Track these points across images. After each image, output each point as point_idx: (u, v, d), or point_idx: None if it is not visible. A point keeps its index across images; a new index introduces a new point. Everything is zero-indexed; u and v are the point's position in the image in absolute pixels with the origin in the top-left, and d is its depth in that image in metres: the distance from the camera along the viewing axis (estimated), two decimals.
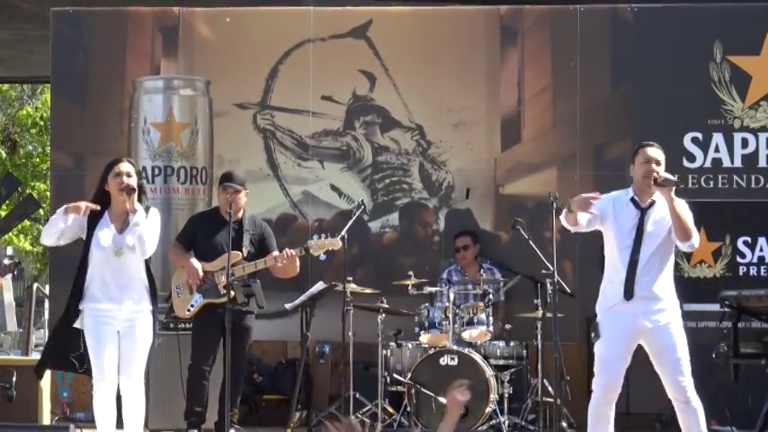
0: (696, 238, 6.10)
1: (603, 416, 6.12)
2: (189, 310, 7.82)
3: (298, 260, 7.82)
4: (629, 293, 6.05)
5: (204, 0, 10.22)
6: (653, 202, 6.12)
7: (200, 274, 7.73)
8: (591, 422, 6.18)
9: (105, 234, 6.51)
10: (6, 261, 7.75)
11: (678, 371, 6.02)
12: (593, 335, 6.24)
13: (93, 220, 6.52)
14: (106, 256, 6.49)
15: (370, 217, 9.56)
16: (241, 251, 7.74)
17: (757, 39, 9.36)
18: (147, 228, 6.50)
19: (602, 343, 6.14)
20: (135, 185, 6.49)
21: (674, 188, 6.01)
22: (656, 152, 6.14)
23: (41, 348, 14.70)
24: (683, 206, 6.10)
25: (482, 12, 9.76)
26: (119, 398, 6.55)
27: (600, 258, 6.47)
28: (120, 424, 6.61)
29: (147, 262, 6.58)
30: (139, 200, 6.54)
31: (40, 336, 16.73)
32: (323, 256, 8.06)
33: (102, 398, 6.46)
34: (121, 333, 6.47)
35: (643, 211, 6.13)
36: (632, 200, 6.17)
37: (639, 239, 6.08)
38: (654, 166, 6.08)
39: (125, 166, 6.54)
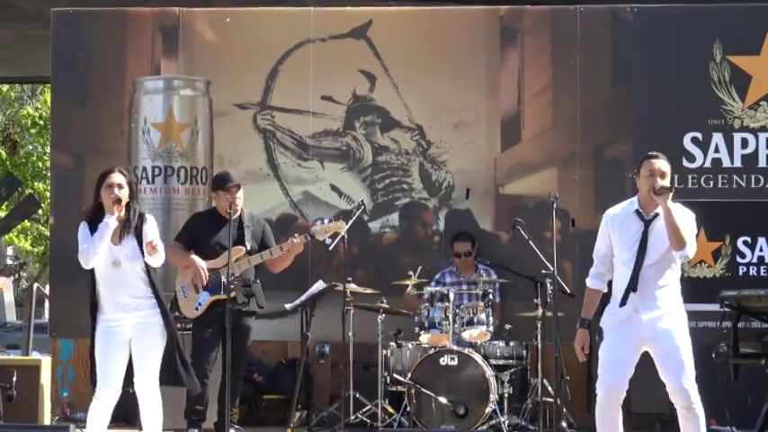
0: (690, 249, 6.06)
1: (609, 418, 6.13)
2: (196, 309, 7.83)
3: (302, 247, 7.88)
4: (624, 301, 6.06)
5: (204, 0, 10.23)
6: (657, 214, 6.12)
7: (206, 272, 7.75)
8: (598, 424, 6.19)
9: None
10: (10, 261, 7.80)
11: (681, 375, 6.00)
12: (597, 337, 6.25)
13: (91, 231, 6.55)
14: (105, 267, 6.52)
15: (370, 217, 9.56)
16: (244, 246, 7.78)
17: (757, 39, 9.35)
18: (154, 235, 6.58)
19: (604, 347, 6.15)
20: (122, 197, 6.51)
21: (669, 196, 6.01)
22: (660, 164, 6.12)
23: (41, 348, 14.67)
24: (682, 215, 6.08)
25: (482, 12, 9.76)
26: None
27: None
28: (133, 425, 6.61)
29: (147, 266, 6.59)
30: (128, 208, 6.55)
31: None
32: (328, 241, 8.06)
33: (102, 405, 6.49)
34: (133, 338, 6.50)
35: (647, 223, 6.13)
36: (636, 211, 6.17)
37: (643, 250, 6.08)
38: (659, 179, 6.08)
39: (117, 178, 6.55)
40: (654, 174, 6.08)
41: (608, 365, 6.11)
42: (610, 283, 6.28)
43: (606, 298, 6.28)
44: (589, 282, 6.32)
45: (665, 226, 6.01)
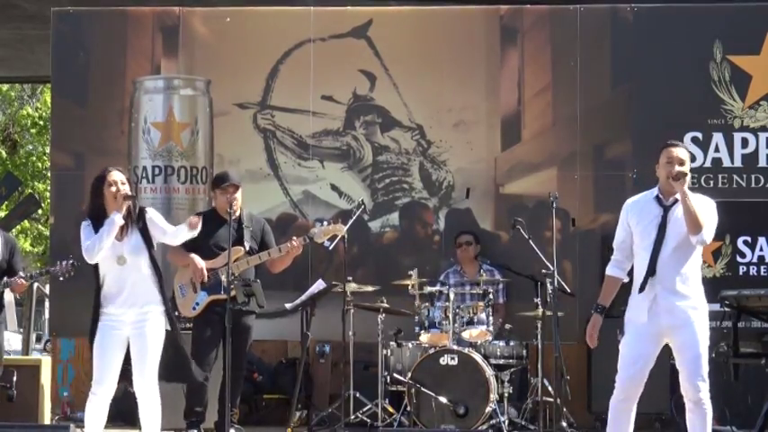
0: (707, 234, 6.08)
1: (623, 412, 6.11)
2: (194, 309, 7.84)
3: (300, 249, 7.88)
4: (643, 286, 6.06)
5: (204, 0, 10.23)
6: (677, 201, 6.14)
7: (205, 271, 7.76)
8: (611, 417, 6.17)
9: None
10: (66, 262, 7.61)
11: (696, 370, 6.01)
12: (618, 332, 6.24)
13: (95, 230, 6.55)
14: (110, 264, 6.53)
15: (370, 217, 9.57)
16: (243, 246, 7.78)
17: (757, 39, 9.36)
18: (163, 222, 6.68)
19: (625, 342, 6.14)
20: (131, 193, 6.57)
21: (686, 181, 6.03)
22: (679, 152, 6.17)
23: (39, 349, 14.64)
24: (701, 202, 6.11)
25: (482, 12, 9.77)
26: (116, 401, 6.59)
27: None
28: (133, 425, 6.61)
29: (154, 262, 6.60)
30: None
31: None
32: (327, 243, 8.06)
33: (98, 400, 6.49)
34: (132, 335, 6.49)
35: (666, 209, 6.15)
36: (656, 198, 6.20)
37: (662, 236, 6.09)
38: (677, 166, 6.11)
39: (117, 176, 6.57)
40: (672, 161, 6.12)
41: (627, 360, 6.10)
42: (630, 273, 6.28)
43: (628, 291, 6.27)
44: (608, 270, 6.32)
45: (683, 209, 6.03)
